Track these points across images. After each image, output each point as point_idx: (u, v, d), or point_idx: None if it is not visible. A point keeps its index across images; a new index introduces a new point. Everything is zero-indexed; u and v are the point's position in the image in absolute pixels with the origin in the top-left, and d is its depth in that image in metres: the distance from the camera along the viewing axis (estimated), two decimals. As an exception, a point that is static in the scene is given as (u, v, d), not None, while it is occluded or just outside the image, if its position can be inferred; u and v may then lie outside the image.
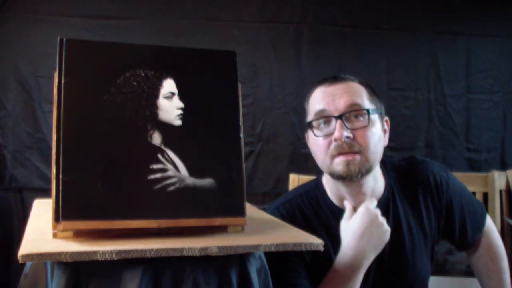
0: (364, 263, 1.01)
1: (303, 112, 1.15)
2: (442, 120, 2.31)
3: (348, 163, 1.02)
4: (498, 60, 2.35)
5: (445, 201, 1.14)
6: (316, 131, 1.07)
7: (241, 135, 0.86)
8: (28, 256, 0.67)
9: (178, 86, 0.84)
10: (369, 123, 1.04)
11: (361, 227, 1.01)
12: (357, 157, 1.02)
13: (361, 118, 1.04)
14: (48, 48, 1.98)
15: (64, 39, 0.80)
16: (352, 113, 1.04)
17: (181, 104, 0.83)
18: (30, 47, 2.05)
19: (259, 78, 2.19)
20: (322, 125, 1.06)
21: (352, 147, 1.02)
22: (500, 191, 1.77)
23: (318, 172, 1.17)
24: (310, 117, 1.10)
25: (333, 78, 1.09)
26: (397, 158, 1.20)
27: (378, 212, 1.03)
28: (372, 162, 1.05)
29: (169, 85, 0.83)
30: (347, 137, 1.02)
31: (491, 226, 1.22)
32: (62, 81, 0.78)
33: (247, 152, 2.14)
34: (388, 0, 2.27)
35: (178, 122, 0.83)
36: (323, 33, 2.23)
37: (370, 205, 1.04)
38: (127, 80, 0.81)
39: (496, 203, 1.73)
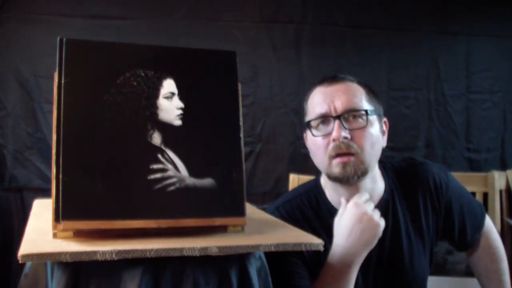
0: (355, 261, 0.99)
1: (303, 112, 1.15)
2: (442, 120, 2.31)
3: (344, 165, 1.02)
4: (498, 60, 2.35)
5: (444, 202, 1.14)
6: (314, 131, 1.07)
7: (241, 135, 0.86)
8: (28, 256, 0.67)
9: (178, 86, 0.84)
10: (367, 124, 1.04)
11: (349, 225, 1.00)
12: (352, 158, 1.02)
13: (360, 119, 1.05)
14: (48, 48, 1.97)
15: (64, 39, 0.80)
16: (350, 114, 1.04)
17: (181, 104, 0.83)
18: (30, 47, 2.04)
19: (259, 78, 2.19)
20: (320, 125, 1.07)
21: (349, 148, 1.02)
22: (500, 191, 1.76)
23: (318, 172, 1.17)
24: (308, 117, 1.10)
25: (332, 78, 1.09)
26: (396, 159, 1.20)
27: (367, 207, 1.01)
28: (368, 164, 1.05)
29: (169, 85, 0.83)
30: (345, 138, 1.02)
31: (491, 227, 1.22)
32: (62, 81, 0.78)
33: (247, 152, 2.14)
34: (388, 0, 2.27)
35: (178, 122, 0.83)
36: (323, 33, 2.23)
37: (359, 200, 1.02)
38: (127, 80, 0.81)
39: (496, 203, 1.72)
